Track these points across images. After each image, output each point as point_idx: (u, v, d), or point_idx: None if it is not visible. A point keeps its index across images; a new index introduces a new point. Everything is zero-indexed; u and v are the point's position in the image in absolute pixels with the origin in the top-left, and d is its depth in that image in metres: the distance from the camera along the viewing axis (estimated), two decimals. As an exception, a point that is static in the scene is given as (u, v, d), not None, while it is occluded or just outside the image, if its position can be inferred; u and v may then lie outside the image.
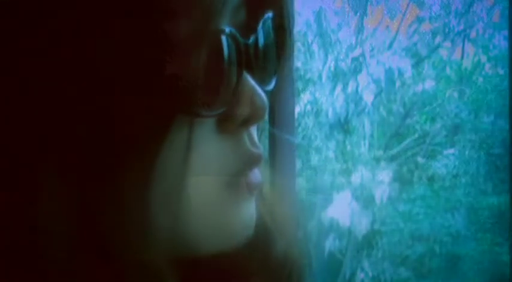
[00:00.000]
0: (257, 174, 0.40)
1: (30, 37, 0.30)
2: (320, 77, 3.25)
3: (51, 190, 0.30)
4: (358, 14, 3.05)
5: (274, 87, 0.42)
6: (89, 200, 0.30)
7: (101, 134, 0.31)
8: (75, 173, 0.30)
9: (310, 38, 3.18)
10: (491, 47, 2.89)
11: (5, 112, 0.30)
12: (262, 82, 0.40)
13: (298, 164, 3.83)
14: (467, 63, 2.99)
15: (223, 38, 0.36)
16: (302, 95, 3.30)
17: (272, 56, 0.42)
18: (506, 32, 2.55)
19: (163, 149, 0.33)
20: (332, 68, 3.18)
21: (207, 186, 0.36)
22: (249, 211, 0.40)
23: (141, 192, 0.31)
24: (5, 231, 0.29)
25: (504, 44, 2.75)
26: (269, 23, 0.42)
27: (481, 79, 3.06)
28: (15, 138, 0.30)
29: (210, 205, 0.37)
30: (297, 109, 3.71)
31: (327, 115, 3.30)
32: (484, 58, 2.91)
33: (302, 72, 3.17)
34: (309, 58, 3.28)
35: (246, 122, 0.38)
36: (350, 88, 3.18)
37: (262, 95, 0.38)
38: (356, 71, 3.13)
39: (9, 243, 0.29)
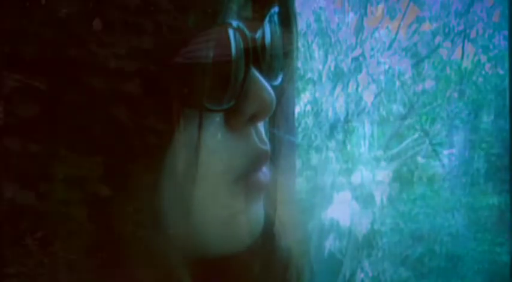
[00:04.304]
0: (266, 173, 0.39)
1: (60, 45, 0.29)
2: (320, 77, 3.25)
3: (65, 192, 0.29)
4: (358, 14, 3.05)
5: (278, 86, 0.42)
6: (100, 198, 0.30)
7: (108, 130, 0.31)
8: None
9: (310, 38, 3.18)
10: (491, 47, 2.89)
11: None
12: (269, 77, 0.40)
13: (298, 164, 3.83)
14: (467, 63, 2.98)
15: (231, 32, 0.36)
16: (302, 95, 3.30)
17: (279, 51, 0.42)
18: (506, 32, 2.55)
19: (172, 144, 0.32)
20: (332, 68, 3.18)
21: (216, 185, 0.36)
22: (257, 211, 0.39)
23: (150, 188, 0.31)
24: (17, 231, 0.29)
25: (504, 44, 2.75)
26: (275, 18, 0.42)
27: (481, 79, 3.05)
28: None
29: (219, 206, 0.36)
30: (297, 109, 3.71)
31: (327, 115, 3.30)
32: (484, 58, 2.90)
33: (302, 72, 3.17)
34: (309, 58, 3.28)
35: (254, 118, 0.38)
36: (350, 88, 3.18)
37: (270, 90, 0.38)
38: (356, 71, 3.13)
39: (20, 243, 0.29)
